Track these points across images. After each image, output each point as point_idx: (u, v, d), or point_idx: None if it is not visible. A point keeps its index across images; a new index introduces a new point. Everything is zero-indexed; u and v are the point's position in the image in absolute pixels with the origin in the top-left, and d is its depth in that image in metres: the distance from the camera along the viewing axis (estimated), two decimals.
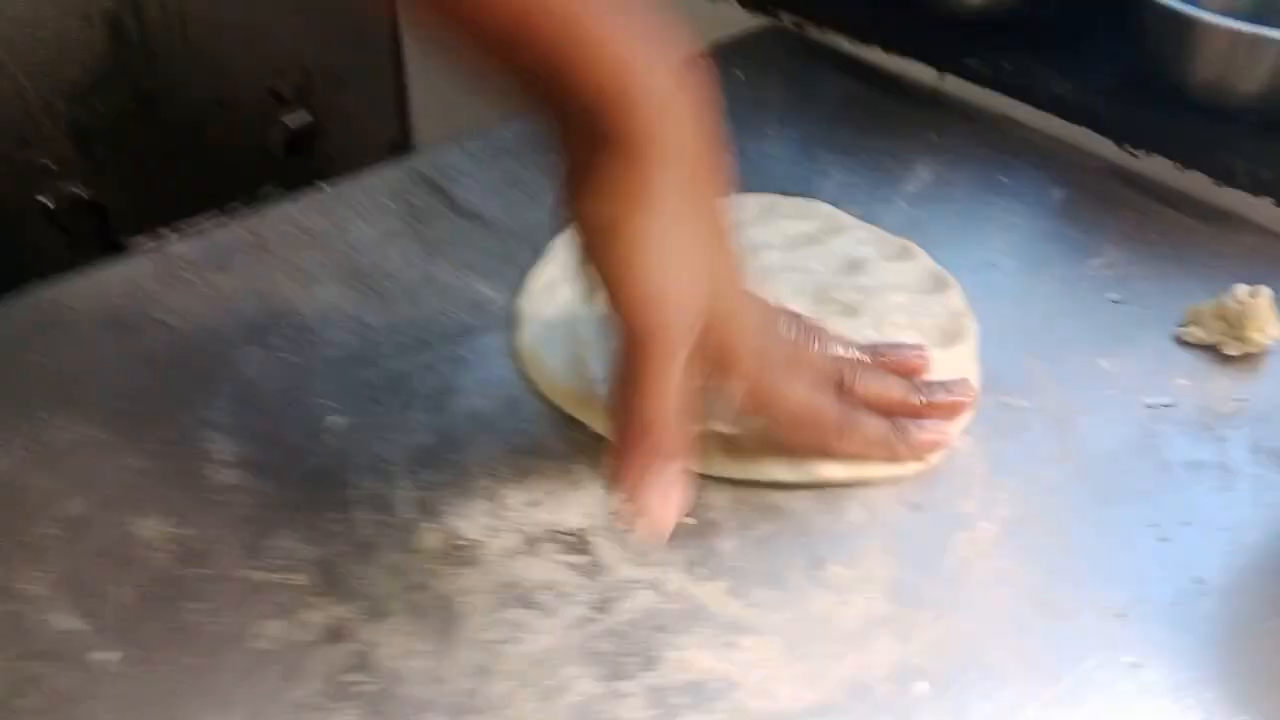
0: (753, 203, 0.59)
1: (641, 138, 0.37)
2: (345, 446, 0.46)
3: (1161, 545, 0.43)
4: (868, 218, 0.60)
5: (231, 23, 0.71)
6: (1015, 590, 0.41)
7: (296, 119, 0.78)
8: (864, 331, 0.49)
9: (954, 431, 0.46)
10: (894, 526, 0.43)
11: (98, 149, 0.67)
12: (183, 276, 0.54)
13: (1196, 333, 0.52)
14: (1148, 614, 0.40)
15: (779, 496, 0.44)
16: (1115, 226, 0.60)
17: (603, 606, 0.40)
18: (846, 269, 0.54)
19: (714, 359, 0.40)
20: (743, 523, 0.43)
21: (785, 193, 0.61)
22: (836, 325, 0.48)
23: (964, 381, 0.48)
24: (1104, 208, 0.62)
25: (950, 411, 0.46)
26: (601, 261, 0.38)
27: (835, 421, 0.44)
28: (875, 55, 0.75)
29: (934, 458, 0.45)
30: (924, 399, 0.46)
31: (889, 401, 0.45)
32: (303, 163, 0.79)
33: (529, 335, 0.50)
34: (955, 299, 0.53)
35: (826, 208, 0.59)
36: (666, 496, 0.38)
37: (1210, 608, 0.40)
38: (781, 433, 0.44)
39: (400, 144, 0.86)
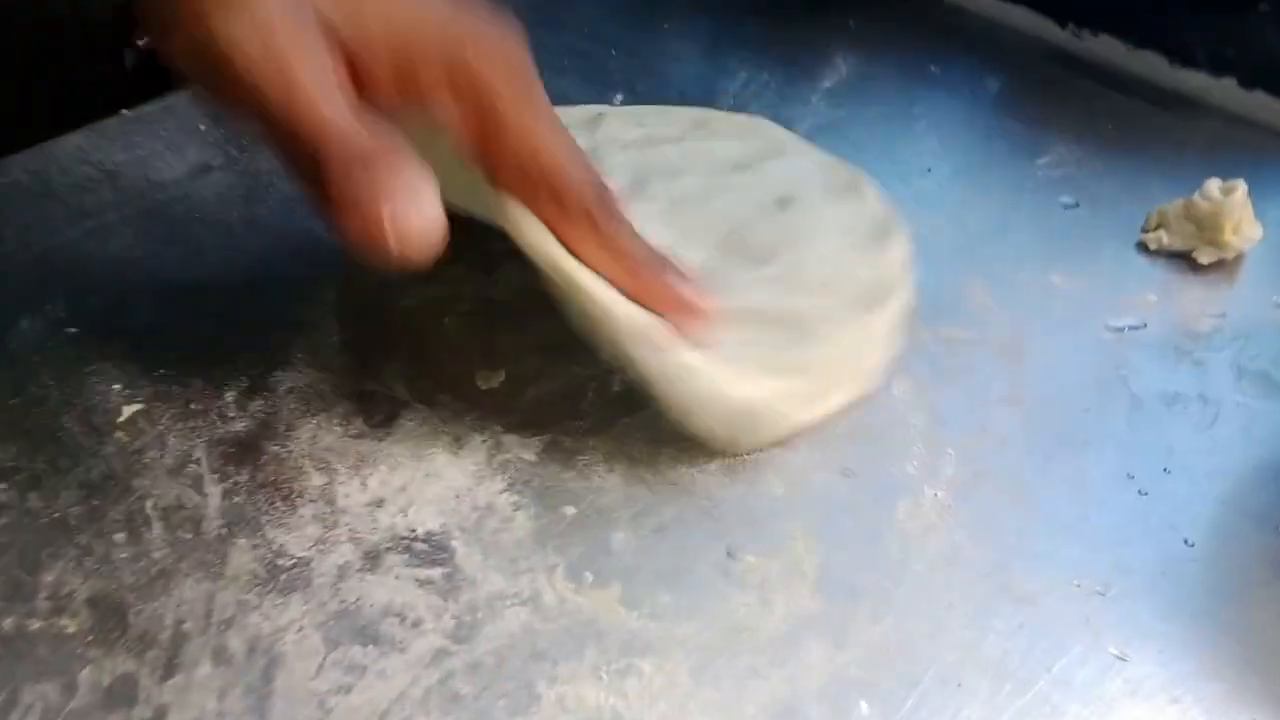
0: (683, 117, 0.48)
1: None
2: (140, 444, 0.36)
3: (1141, 500, 0.36)
4: (779, 118, 0.51)
5: None
6: (970, 571, 0.34)
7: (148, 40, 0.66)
8: (766, 287, 0.38)
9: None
10: (820, 499, 0.35)
11: None
12: None
13: (1163, 238, 0.45)
14: (1131, 589, 0.33)
15: (680, 471, 0.36)
16: (1062, 119, 0.52)
17: (463, 634, 0.31)
18: (774, 205, 0.44)
19: (376, 70, 0.31)
20: (636, 507, 0.35)
21: (685, 99, 0.52)
22: (737, 276, 0.38)
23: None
24: (1048, 98, 0.54)
25: (686, 310, 0.34)
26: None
27: (595, 198, 0.33)
28: None
29: (864, 410, 0.38)
30: (668, 274, 0.35)
31: (630, 252, 0.34)
32: (162, 85, 0.67)
33: None
34: (895, 253, 0.41)
35: (771, 128, 0.48)
36: (409, 189, 0.29)
37: (1203, 575, 0.34)
38: (514, 189, 0.33)
39: None
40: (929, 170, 0.49)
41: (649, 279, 0.34)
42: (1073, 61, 0.56)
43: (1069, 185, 0.48)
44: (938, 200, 0.47)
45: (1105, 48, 0.56)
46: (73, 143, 0.48)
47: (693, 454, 0.36)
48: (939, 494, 0.35)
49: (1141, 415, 0.38)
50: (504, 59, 0.32)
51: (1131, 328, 0.42)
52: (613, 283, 0.34)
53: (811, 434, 0.37)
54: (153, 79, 0.67)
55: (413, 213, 0.28)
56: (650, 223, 0.36)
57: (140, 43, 0.66)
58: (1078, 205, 0.47)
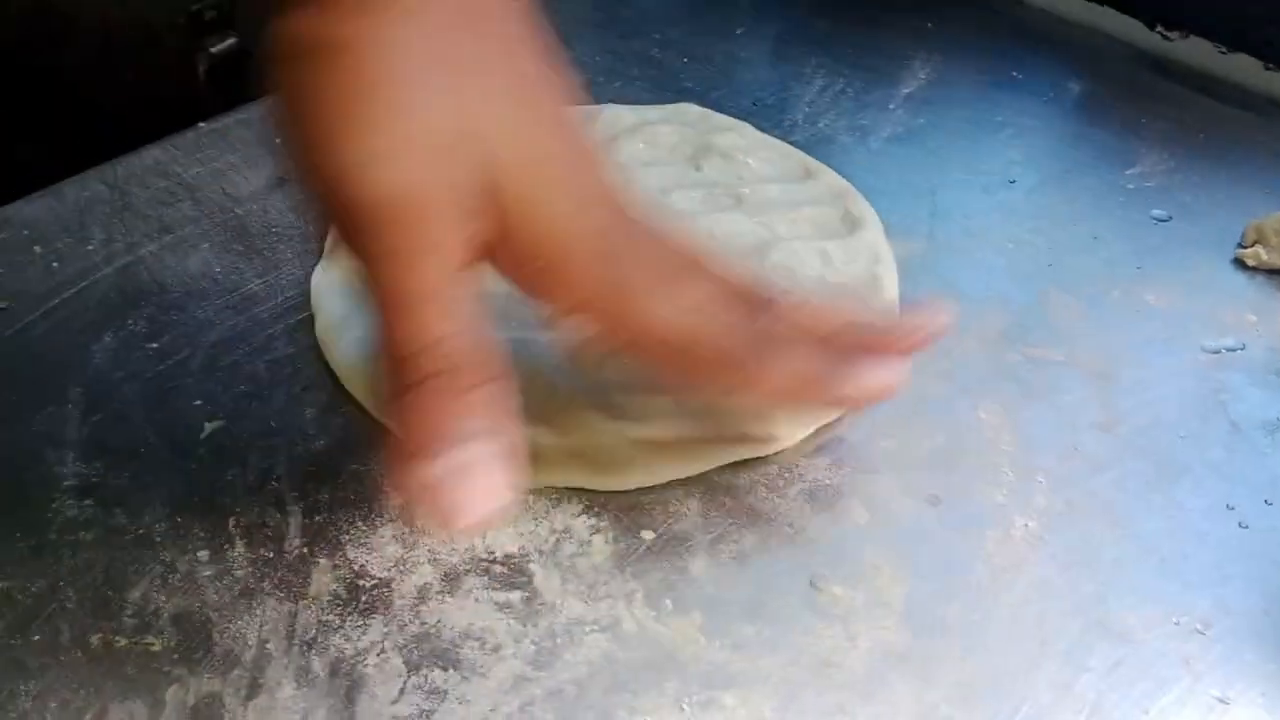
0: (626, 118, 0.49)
1: None
2: (222, 460, 0.36)
3: (1242, 534, 0.34)
4: (857, 128, 0.50)
5: None
6: (1064, 606, 0.32)
7: (221, 44, 0.66)
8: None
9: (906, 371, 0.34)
10: (906, 528, 0.34)
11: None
12: (24, 248, 0.44)
13: (1260, 254, 0.43)
14: (1233, 628, 0.32)
15: (759, 496, 0.35)
16: (1152, 126, 0.50)
17: (543, 660, 0.31)
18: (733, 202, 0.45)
19: (522, 259, 0.28)
20: (715, 533, 0.34)
21: (758, 106, 0.51)
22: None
23: (937, 302, 0.34)
24: (1136, 103, 0.52)
25: (918, 340, 0.33)
26: (300, 107, 0.25)
27: (742, 344, 0.31)
28: None
29: (946, 433, 0.37)
30: (881, 323, 0.34)
31: (827, 327, 0.32)
32: (230, 98, 0.68)
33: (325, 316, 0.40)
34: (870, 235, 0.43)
35: (698, 110, 0.49)
36: (475, 465, 0.26)
37: None
38: (658, 369, 0.32)
39: None
40: (1013, 182, 0.47)
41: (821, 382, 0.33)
42: (1161, 65, 0.55)
43: (1160, 197, 0.46)
44: (1023, 213, 0.46)
45: (1196, 50, 0.55)
46: (151, 156, 0.48)
47: (773, 479, 0.36)
48: (1030, 524, 0.34)
49: (1241, 443, 0.37)
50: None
51: (1229, 349, 0.40)
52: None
53: (896, 458, 0.36)
54: (224, 86, 0.68)
55: (486, 499, 0.26)
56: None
57: (213, 49, 0.67)
58: (1170, 219, 0.45)
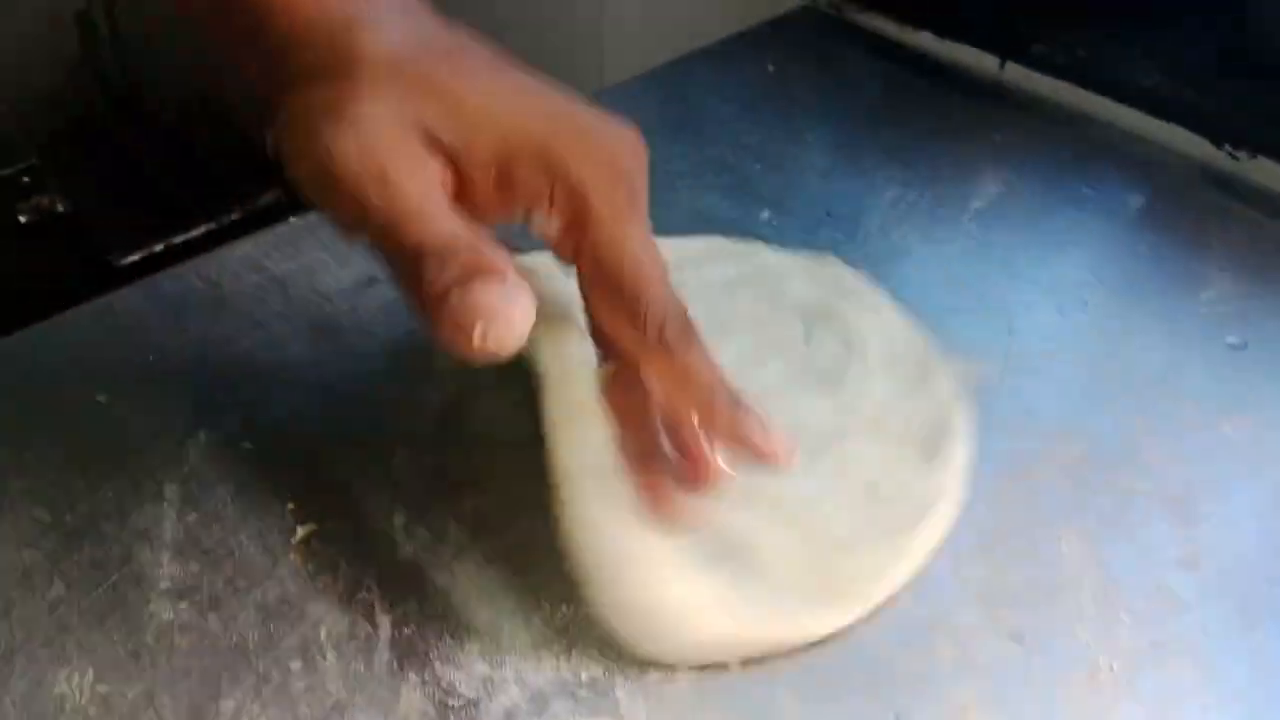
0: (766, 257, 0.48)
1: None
2: (313, 567, 0.37)
3: None
4: (931, 241, 0.51)
5: None
6: None
7: None
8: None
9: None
10: (991, 667, 0.34)
11: (73, 158, 0.59)
12: (123, 339, 0.45)
13: None
14: None
15: (845, 629, 0.35)
16: (1223, 249, 0.51)
17: None
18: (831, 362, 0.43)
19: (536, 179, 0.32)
20: (800, 665, 0.34)
21: (832, 217, 0.52)
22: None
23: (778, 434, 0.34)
24: (1206, 224, 0.53)
25: (753, 452, 0.34)
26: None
27: (672, 324, 0.32)
28: (925, 40, 0.66)
29: (1028, 565, 0.37)
30: (741, 411, 0.33)
31: (705, 384, 0.33)
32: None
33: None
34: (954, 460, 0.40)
35: (835, 267, 0.47)
36: (498, 307, 0.28)
37: None
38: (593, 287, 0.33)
39: None
40: (1085, 303, 0.48)
41: (721, 410, 0.33)
42: (1230, 183, 0.55)
43: (1235, 323, 0.47)
44: (1097, 337, 0.46)
45: (1266, 171, 0.55)
46: (243, 250, 0.50)
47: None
48: (1115, 665, 0.34)
49: None
50: (607, 164, 0.32)
51: None
52: (678, 411, 0.33)
53: (980, 591, 0.36)
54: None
55: (502, 329, 0.28)
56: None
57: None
58: (1245, 346, 0.46)
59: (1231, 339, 0.46)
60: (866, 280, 0.47)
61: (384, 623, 0.36)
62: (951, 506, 0.38)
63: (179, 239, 0.64)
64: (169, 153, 0.64)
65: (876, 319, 0.45)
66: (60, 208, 0.58)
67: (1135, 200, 0.54)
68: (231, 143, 0.66)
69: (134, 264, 0.62)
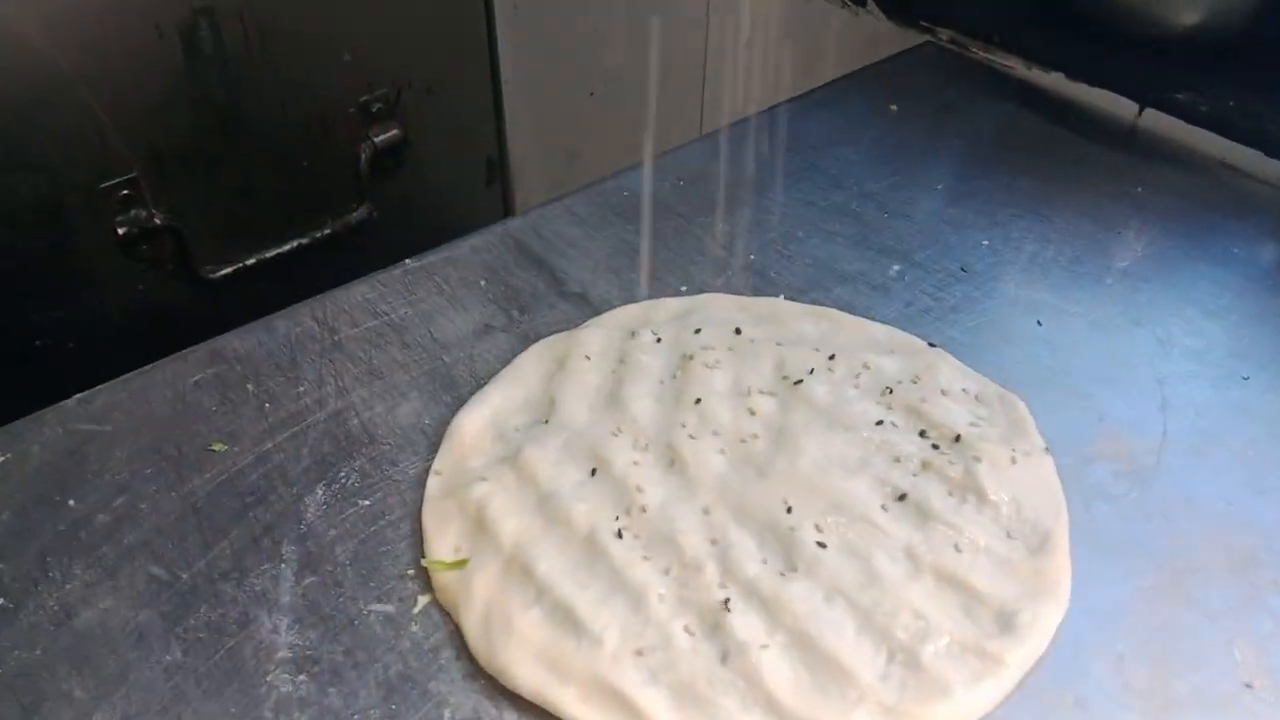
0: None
1: None
2: (434, 641, 0.36)
3: None
4: (1073, 302, 0.48)
5: (314, 32, 0.62)
6: None
7: (385, 134, 0.68)
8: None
9: None
10: None
11: (172, 171, 0.59)
12: (238, 385, 0.44)
13: None
14: None
15: None
16: None
17: None
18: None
19: None
20: None
21: (967, 273, 0.50)
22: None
23: None
24: None
25: None
26: None
27: None
28: (1056, 82, 0.63)
29: (1200, 670, 0.34)
30: None
31: None
32: (392, 181, 0.70)
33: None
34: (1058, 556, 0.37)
35: (952, 366, 0.43)
36: None
37: None
38: None
39: (495, 160, 0.77)
40: (1246, 378, 0.45)
41: None
42: None
43: None
44: (1259, 413, 0.43)
45: None
46: (359, 292, 0.49)
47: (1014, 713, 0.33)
48: None
49: None
50: None
51: None
52: None
53: (1148, 699, 0.34)
54: (383, 173, 0.69)
55: None
56: None
57: (377, 139, 0.68)
58: None
59: None
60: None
61: (504, 704, 0.34)
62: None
63: (270, 253, 0.64)
64: (264, 167, 0.63)
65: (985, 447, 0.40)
66: (158, 220, 0.58)
67: None
68: (325, 158, 0.66)
69: (225, 276, 0.62)
